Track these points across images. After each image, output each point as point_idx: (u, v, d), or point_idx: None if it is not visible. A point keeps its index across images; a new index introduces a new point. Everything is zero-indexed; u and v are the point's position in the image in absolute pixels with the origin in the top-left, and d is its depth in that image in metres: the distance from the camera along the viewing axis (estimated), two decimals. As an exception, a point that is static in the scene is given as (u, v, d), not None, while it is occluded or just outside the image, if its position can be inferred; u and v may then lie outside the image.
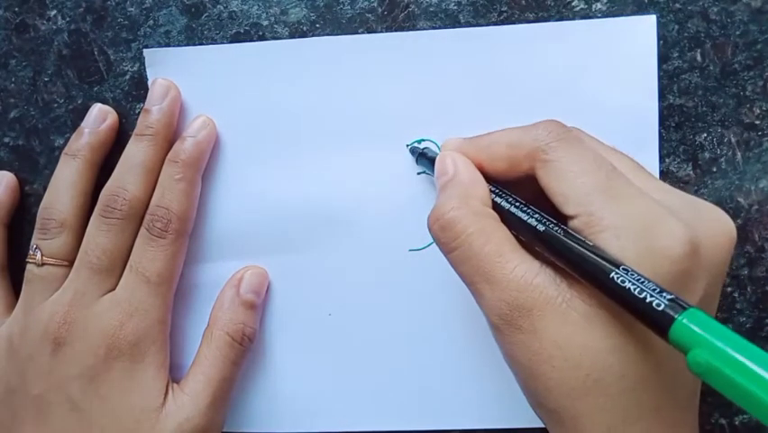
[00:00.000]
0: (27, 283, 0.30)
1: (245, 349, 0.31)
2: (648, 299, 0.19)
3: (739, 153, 0.31)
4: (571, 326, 0.21)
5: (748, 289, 0.31)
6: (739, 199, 0.31)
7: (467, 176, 0.25)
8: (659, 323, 0.18)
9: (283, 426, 0.33)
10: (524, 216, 0.23)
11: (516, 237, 0.24)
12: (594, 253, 0.21)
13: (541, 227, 0.22)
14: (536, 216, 0.23)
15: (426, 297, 0.31)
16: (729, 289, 0.31)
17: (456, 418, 0.32)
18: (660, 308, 0.18)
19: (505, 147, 0.25)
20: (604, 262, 0.20)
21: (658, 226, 0.21)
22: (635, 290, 0.19)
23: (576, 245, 0.21)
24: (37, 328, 0.29)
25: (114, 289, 0.30)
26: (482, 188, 0.25)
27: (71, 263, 0.30)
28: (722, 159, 0.31)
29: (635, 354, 0.21)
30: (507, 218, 0.24)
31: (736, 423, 0.31)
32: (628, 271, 0.20)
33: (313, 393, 0.32)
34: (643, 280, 0.19)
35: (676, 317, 0.18)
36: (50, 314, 0.29)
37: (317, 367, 0.32)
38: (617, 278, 0.19)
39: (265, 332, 0.32)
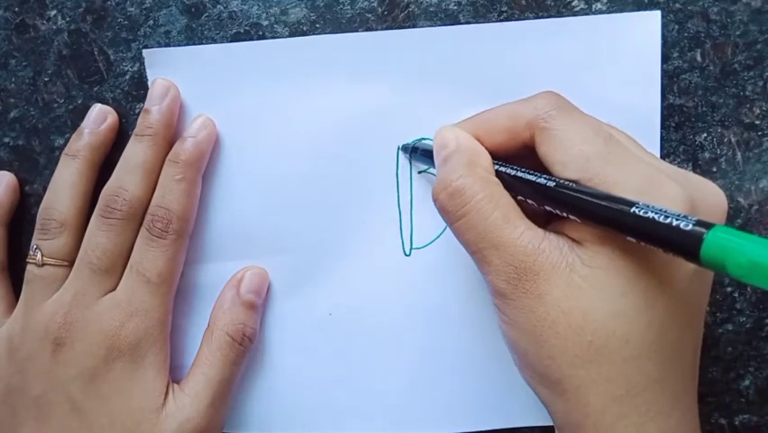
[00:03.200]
0: (27, 284, 0.30)
1: (245, 349, 0.31)
2: (674, 223, 0.19)
3: (739, 153, 0.31)
4: (574, 290, 0.21)
5: (748, 289, 0.31)
6: (739, 199, 0.31)
7: (469, 145, 0.25)
8: (690, 243, 0.18)
9: (283, 426, 0.33)
10: (533, 178, 0.23)
11: (519, 205, 0.24)
12: (610, 196, 0.21)
13: (551, 183, 0.22)
14: (543, 176, 0.23)
15: (426, 297, 0.31)
16: (729, 289, 0.31)
17: (456, 419, 0.32)
18: (688, 228, 0.18)
19: (504, 119, 0.25)
20: (623, 201, 0.20)
21: (657, 187, 0.21)
22: (659, 217, 0.19)
23: (591, 192, 0.21)
24: (37, 329, 0.29)
25: (114, 289, 0.30)
26: (485, 156, 0.25)
27: (71, 264, 0.30)
28: (722, 159, 0.31)
29: (638, 319, 0.21)
30: (511, 186, 0.24)
31: (736, 423, 0.31)
32: (648, 205, 0.20)
33: (313, 394, 0.32)
34: (663, 209, 0.19)
35: (706, 231, 0.18)
36: (50, 314, 0.29)
37: (317, 368, 0.32)
38: (640, 211, 0.20)
39: (265, 332, 0.32)
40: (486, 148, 0.26)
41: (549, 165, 0.23)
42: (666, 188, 0.21)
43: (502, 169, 0.25)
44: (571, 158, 0.23)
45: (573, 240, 0.22)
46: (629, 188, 0.21)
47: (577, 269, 0.22)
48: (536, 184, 0.23)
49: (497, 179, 0.24)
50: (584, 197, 0.21)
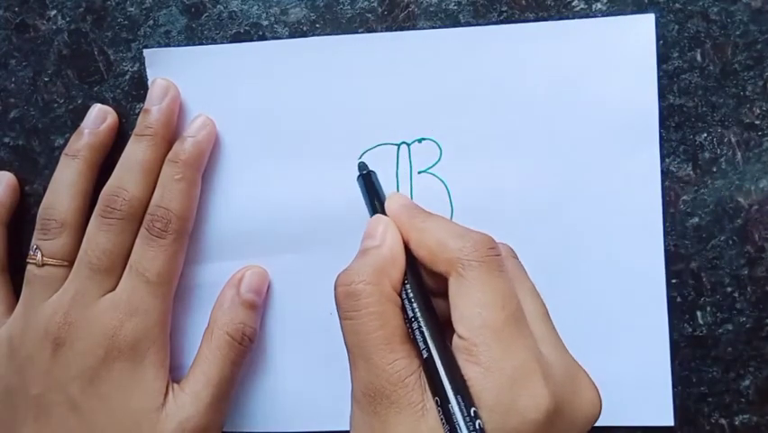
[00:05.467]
0: (27, 284, 0.30)
1: (245, 349, 0.31)
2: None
3: (739, 153, 0.31)
4: None
5: (748, 289, 0.31)
6: (739, 199, 0.31)
7: (389, 252, 0.25)
8: None
9: (283, 425, 0.33)
10: (416, 331, 0.23)
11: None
12: (455, 390, 0.22)
13: (425, 353, 0.23)
14: (428, 331, 0.23)
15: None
16: (729, 289, 0.31)
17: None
18: None
19: (433, 242, 0.24)
20: (457, 408, 0.21)
21: (527, 385, 0.21)
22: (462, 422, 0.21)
23: (444, 382, 0.22)
24: (37, 329, 0.29)
25: (114, 289, 0.30)
26: (399, 270, 0.25)
27: (71, 264, 0.30)
28: (722, 159, 0.31)
29: None
30: (405, 310, 0.24)
31: (736, 423, 0.31)
32: (468, 411, 0.21)
33: (313, 392, 0.32)
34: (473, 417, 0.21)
35: None
36: (50, 314, 0.29)
37: (318, 366, 0.32)
38: (453, 408, 0.21)
39: (265, 332, 0.32)
40: (413, 252, 0.25)
41: (450, 307, 0.23)
42: (535, 390, 0.21)
43: (407, 293, 0.24)
44: (467, 316, 0.23)
45: None
46: (499, 377, 0.21)
47: (428, 418, 0.22)
48: (416, 334, 0.23)
49: (397, 298, 0.24)
50: (437, 380, 0.22)
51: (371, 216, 0.28)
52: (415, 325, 0.23)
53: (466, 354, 0.22)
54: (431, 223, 0.25)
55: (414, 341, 0.23)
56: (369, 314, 0.23)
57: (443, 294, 0.24)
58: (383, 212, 0.27)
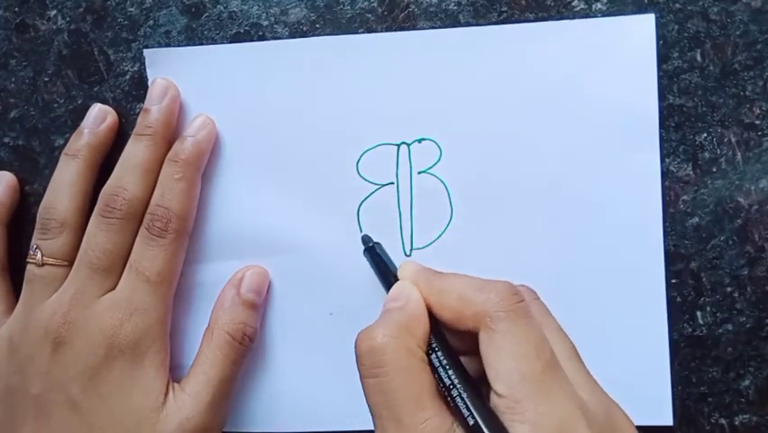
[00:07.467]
0: (27, 283, 0.31)
1: (246, 349, 0.31)
2: None
3: (739, 153, 0.31)
4: None
5: (748, 289, 0.31)
6: (739, 199, 0.31)
7: (413, 310, 0.24)
8: None
9: (284, 425, 0.33)
10: (457, 398, 0.22)
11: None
12: None
13: (470, 420, 0.22)
14: (468, 395, 0.22)
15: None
16: (729, 289, 0.31)
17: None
18: None
19: (455, 299, 0.24)
20: None
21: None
22: None
23: None
24: (37, 328, 0.29)
25: (114, 288, 0.30)
26: (423, 328, 0.24)
27: (71, 263, 0.30)
28: (722, 159, 0.31)
29: None
30: (439, 377, 0.23)
31: (736, 423, 0.31)
32: None
33: (314, 392, 0.32)
34: None
35: None
36: (50, 314, 0.29)
37: (318, 366, 0.32)
38: None
39: (266, 331, 0.32)
40: (436, 316, 0.24)
41: (485, 365, 0.22)
42: None
43: (438, 360, 0.23)
44: (505, 371, 0.22)
45: None
46: (551, 427, 0.21)
47: None
48: (457, 399, 0.22)
49: (422, 354, 0.23)
50: None
51: (385, 288, 0.27)
52: (454, 392, 0.22)
53: (509, 413, 0.21)
54: (449, 282, 0.25)
55: (445, 400, 0.22)
56: (395, 370, 0.22)
57: (471, 353, 0.23)
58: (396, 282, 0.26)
